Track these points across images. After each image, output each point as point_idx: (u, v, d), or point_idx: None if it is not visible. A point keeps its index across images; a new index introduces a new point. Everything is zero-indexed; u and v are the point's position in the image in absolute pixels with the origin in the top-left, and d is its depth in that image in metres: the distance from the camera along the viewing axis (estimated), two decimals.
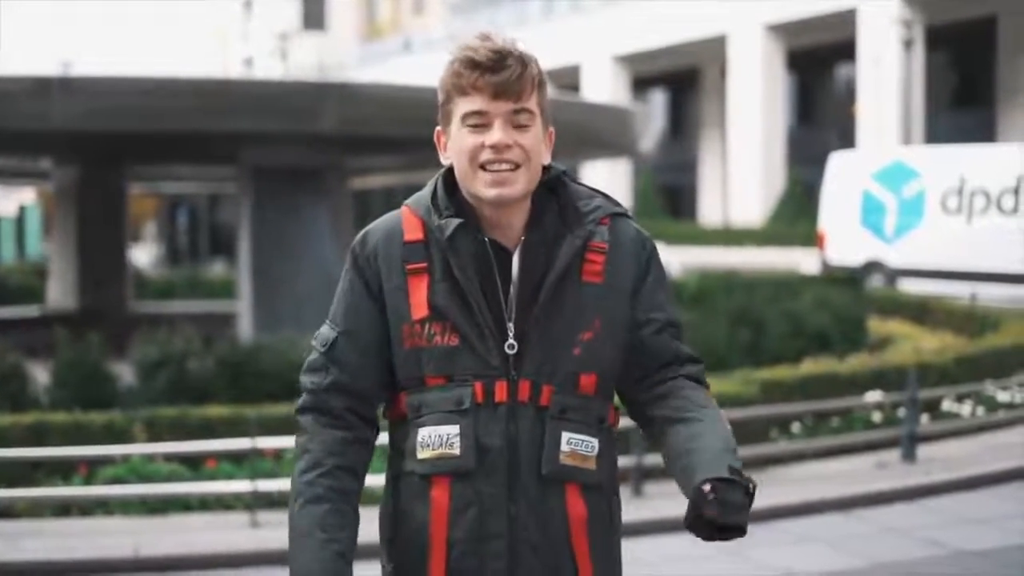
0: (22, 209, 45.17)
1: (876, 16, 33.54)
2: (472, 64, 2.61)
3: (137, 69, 50.45)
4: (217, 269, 34.91)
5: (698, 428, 2.66)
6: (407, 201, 2.78)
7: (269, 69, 63.57)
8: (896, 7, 32.44)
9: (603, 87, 43.26)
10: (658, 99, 49.02)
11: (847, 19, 35.14)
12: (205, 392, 10.82)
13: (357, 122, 13.62)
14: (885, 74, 33.49)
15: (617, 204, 2.81)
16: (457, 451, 2.63)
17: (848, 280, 19.68)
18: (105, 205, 19.18)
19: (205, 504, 8.91)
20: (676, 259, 27.96)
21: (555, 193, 2.75)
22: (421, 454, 2.66)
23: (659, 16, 41.00)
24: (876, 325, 16.24)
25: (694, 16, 39.78)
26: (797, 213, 33.80)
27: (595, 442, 2.70)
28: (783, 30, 37.92)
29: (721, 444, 2.61)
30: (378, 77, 47.99)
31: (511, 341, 2.64)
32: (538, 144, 2.65)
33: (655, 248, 2.81)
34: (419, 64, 49.90)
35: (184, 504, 8.86)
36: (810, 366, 12.24)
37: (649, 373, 2.77)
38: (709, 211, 43.37)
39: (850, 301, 15.90)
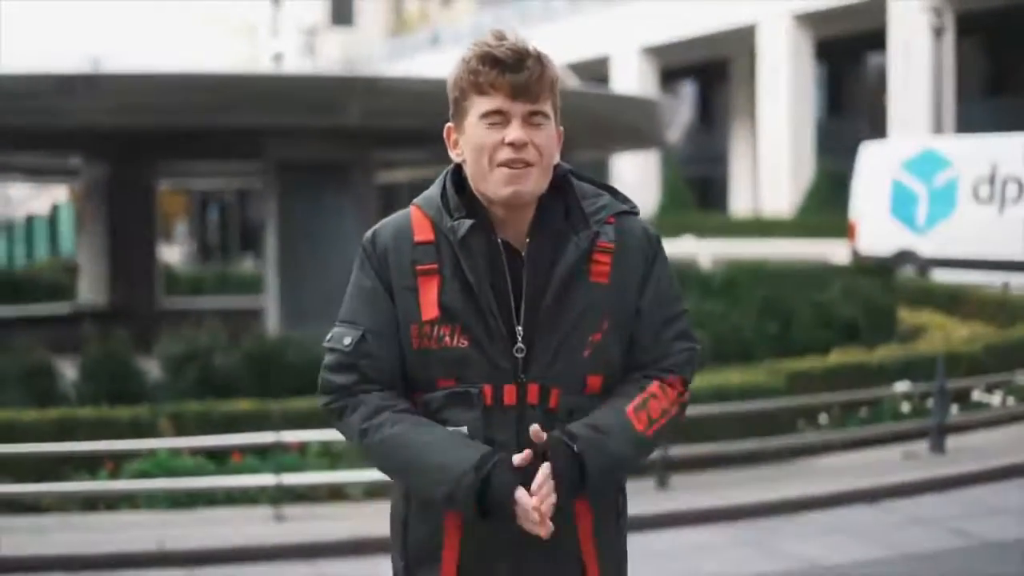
0: (55, 207, 45.42)
1: (906, 4, 33.31)
2: (492, 60, 2.58)
3: (166, 65, 50.63)
4: (247, 265, 35.01)
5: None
6: (416, 200, 2.75)
7: (298, 64, 63.69)
8: None
9: (631, 79, 43.15)
10: (687, 91, 48.86)
11: (877, 7, 34.92)
12: (231, 387, 10.84)
13: (381, 115, 13.62)
14: (915, 63, 33.27)
15: (625, 201, 2.79)
16: None
17: (879, 270, 19.54)
18: (134, 202, 19.25)
19: (230, 498, 8.92)
20: (706, 251, 27.85)
21: (561, 192, 2.72)
22: None
23: (687, 6, 40.85)
24: (907, 315, 16.11)
25: (722, 6, 39.62)
26: (827, 203, 33.61)
27: None
28: (812, 19, 37.71)
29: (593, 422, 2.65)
30: (406, 71, 48.03)
31: (520, 344, 2.62)
32: (552, 144, 2.64)
33: (661, 245, 2.80)
34: (447, 58, 49.79)
35: (209, 498, 8.87)
36: (838, 356, 12.15)
37: (633, 368, 2.76)
38: (740, 202, 43.20)
39: (880, 291, 15.78)
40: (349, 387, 2.68)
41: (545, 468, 2.55)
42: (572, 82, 28.14)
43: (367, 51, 62.60)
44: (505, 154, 2.58)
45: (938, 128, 30.75)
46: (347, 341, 2.68)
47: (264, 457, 9.03)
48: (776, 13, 37.87)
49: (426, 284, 2.65)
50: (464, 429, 2.62)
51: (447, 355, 2.63)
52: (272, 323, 14.58)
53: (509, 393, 2.63)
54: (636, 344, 2.74)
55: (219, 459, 9.13)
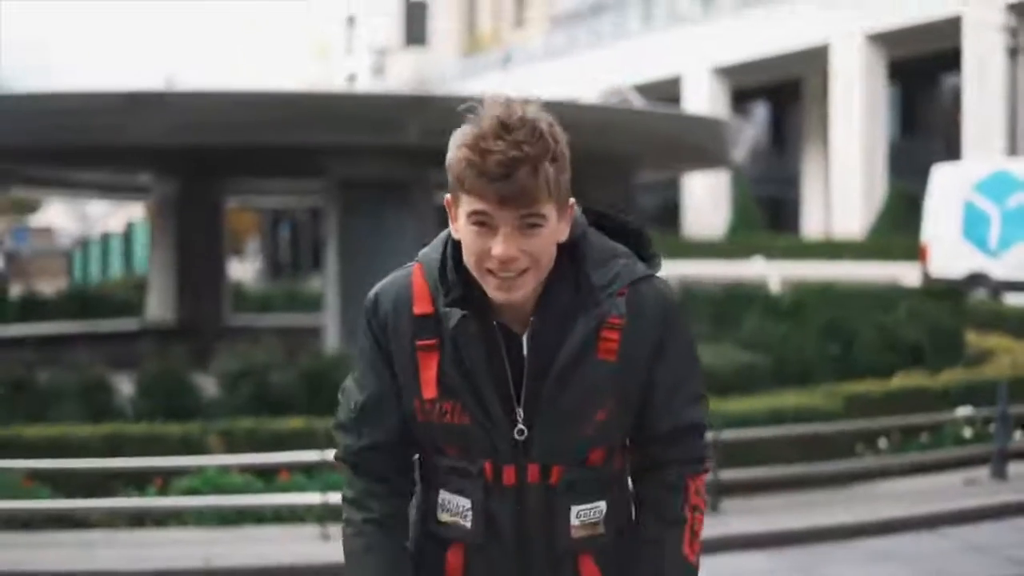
0: (129, 225, 46.01)
1: (980, 24, 32.91)
2: (477, 171, 2.38)
3: (239, 84, 51.17)
4: (316, 283, 35.19)
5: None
6: (419, 257, 2.64)
7: (370, 84, 64.11)
8: (1001, 14, 31.79)
9: (703, 99, 42.97)
10: (759, 111, 48.59)
11: (950, 27, 34.53)
12: (286, 404, 10.84)
13: (442, 134, 13.55)
14: (990, 83, 32.83)
15: (645, 254, 2.65)
16: (469, 524, 2.62)
17: (949, 293, 19.22)
18: (203, 218, 19.45)
19: (278, 516, 8.91)
20: (776, 273, 27.61)
21: (573, 259, 2.57)
22: (441, 516, 2.66)
23: (759, 27, 40.65)
24: (976, 339, 15.80)
25: (794, 27, 39.37)
26: (899, 225, 33.22)
27: (603, 504, 2.65)
28: (885, 39, 37.36)
29: None
30: (477, 91, 48.13)
31: (520, 427, 2.56)
32: (548, 244, 2.46)
33: (677, 310, 2.64)
34: (519, 77, 50.03)
35: (257, 516, 8.87)
36: (900, 380, 11.96)
37: (646, 443, 2.69)
38: (811, 224, 42.86)
39: (946, 314, 15.52)
40: (354, 451, 2.68)
41: None
42: (638, 102, 28.06)
43: (440, 71, 62.90)
44: (493, 264, 2.43)
45: (1014, 149, 30.35)
46: (352, 405, 2.67)
47: (311, 475, 9.01)
48: (848, 33, 37.57)
49: (426, 360, 2.57)
50: (468, 502, 2.61)
51: (449, 429, 2.59)
52: (331, 341, 14.62)
53: (508, 473, 2.58)
54: (648, 413, 2.65)
55: (267, 477, 9.13)
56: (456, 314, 2.50)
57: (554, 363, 2.52)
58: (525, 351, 2.55)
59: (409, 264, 2.66)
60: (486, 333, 2.53)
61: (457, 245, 2.54)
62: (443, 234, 2.63)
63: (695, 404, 2.67)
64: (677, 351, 2.63)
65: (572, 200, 2.52)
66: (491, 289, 2.47)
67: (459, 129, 2.46)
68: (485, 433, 2.55)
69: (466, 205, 2.43)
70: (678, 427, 2.65)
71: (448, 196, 2.53)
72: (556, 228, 2.47)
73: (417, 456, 2.72)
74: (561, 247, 2.52)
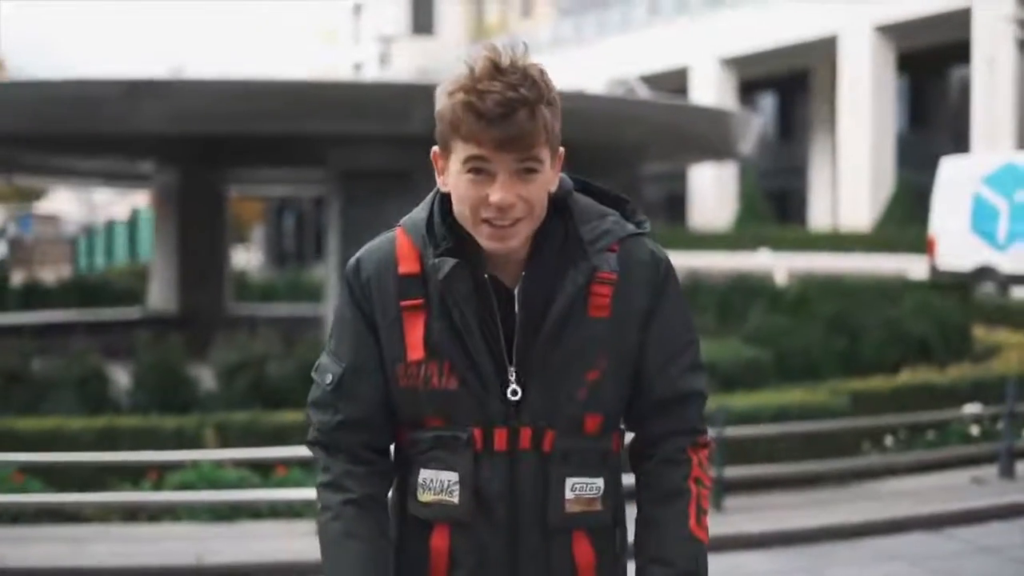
0: (134, 212, 45.89)
1: (990, 16, 32.70)
2: (476, 114, 2.30)
3: (241, 72, 51.07)
4: (319, 272, 35.05)
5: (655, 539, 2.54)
6: (402, 222, 2.54)
7: (376, 73, 63.97)
8: (1010, 6, 31.58)
9: (710, 90, 42.79)
10: (767, 103, 48.41)
11: (960, 19, 34.33)
12: (284, 396, 10.71)
13: None
14: (1000, 75, 32.63)
15: (633, 217, 2.56)
16: (456, 499, 2.47)
17: (956, 286, 19.05)
18: (205, 208, 19.34)
19: (274, 511, 8.77)
20: (782, 265, 27.46)
21: (563, 216, 2.49)
22: (422, 496, 2.51)
23: (766, 18, 40.47)
24: (984, 334, 15.64)
25: (802, 17, 39.19)
26: (907, 218, 33.06)
27: (600, 481, 2.52)
28: (894, 30, 37.18)
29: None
30: None
31: (513, 387, 2.44)
32: (543, 190, 2.40)
33: (670, 268, 2.56)
34: None
35: (253, 511, 8.73)
36: (906, 376, 11.81)
37: (641, 416, 2.58)
38: (819, 216, 42.70)
39: (954, 308, 15.35)
40: (329, 427, 2.54)
41: None
42: (644, 93, 27.88)
43: (447, 60, 62.72)
44: (490, 212, 2.35)
45: (1022, 143, 30.16)
46: (328, 379, 2.53)
47: (309, 470, 8.87)
48: (858, 24, 37.38)
49: (411, 321, 2.45)
50: (455, 475, 2.46)
51: (435, 395, 2.46)
52: None
53: (500, 438, 2.45)
54: (642, 380, 2.54)
55: (264, 471, 8.99)
56: (448, 263, 2.41)
57: (545, 320, 2.43)
58: (516, 307, 2.45)
59: (391, 229, 2.56)
60: (477, 286, 2.43)
61: (444, 199, 2.46)
62: (428, 196, 2.53)
63: (692, 372, 2.57)
64: (671, 314, 2.54)
65: (562, 149, 2.47)
66: (484, 239, 2.39)
67: (448, 78, 2.38)
68: (473, 397, 2.44)
69: (461, 152, 2.35)
70: (674, 395, 2.55)
71: (435, 149, 2.44)
72: (549, 175, 2.42)
73: (392, 443, 2.59)
74: (549, 204, 2.45)
